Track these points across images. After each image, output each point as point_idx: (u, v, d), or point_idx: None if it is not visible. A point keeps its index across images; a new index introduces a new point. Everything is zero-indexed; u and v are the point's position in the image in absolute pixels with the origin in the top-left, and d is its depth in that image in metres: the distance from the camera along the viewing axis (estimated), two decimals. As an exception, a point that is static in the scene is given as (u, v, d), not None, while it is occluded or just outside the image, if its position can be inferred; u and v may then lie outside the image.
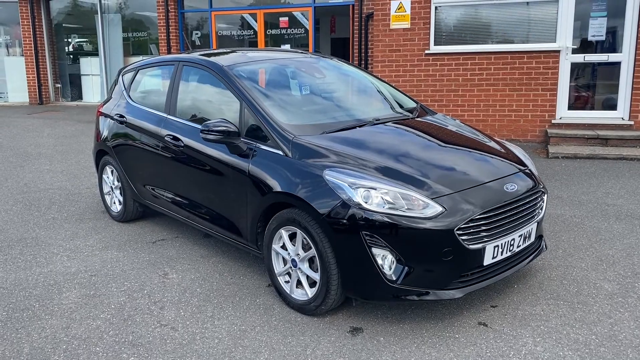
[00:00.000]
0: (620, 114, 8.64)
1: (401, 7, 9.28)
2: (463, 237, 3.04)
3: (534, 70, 8.84)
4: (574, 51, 8.69)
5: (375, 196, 3.07)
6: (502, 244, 3.22)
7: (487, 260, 3.18)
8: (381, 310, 3.45)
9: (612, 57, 8.55)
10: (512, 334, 3.14)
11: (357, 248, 3.07)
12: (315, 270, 3.35)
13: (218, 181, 3.93)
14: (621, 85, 8.57)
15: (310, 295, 3.37)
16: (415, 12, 9.27)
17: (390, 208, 3.03)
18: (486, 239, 3.13)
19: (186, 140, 4.19)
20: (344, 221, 3.08)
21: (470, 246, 3.06)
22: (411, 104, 4.51)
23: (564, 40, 8.65)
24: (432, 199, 3.06)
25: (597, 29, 8.58)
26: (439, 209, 3.01)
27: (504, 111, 9.08)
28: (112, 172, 5.37)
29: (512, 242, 3.27)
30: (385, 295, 3.12)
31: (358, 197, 3.08)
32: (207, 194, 4.09)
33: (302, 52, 5.04)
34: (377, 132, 3.79)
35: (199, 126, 4.06)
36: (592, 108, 8.85)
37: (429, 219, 2.99)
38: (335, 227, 3.11)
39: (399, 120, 4.05)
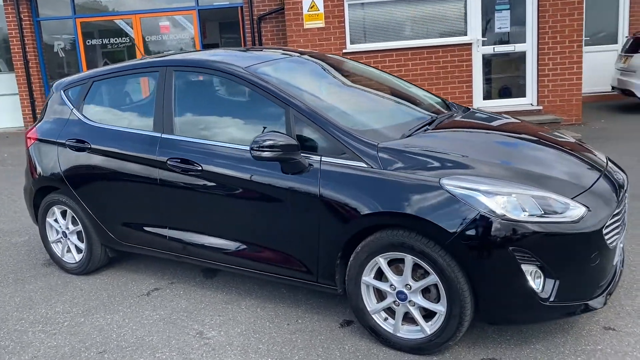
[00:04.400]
0: (529, 100, 9.15)
1: (314, 5, 8.88)
2: (607, 237, 2.73)
3: (450, 64, 9.00)
4: (485, 43, 9.01)
5: (513, 203, 2.63)
6: (621, 239, 2.98)
7: (615, 258, 2.91)
8: (501, 334, 3.02)
9: (518, 47, 9.03)
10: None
11: (504, 267, 2.61)
12: (434, 300, 2.81)
13: (267, 210, 3.18)
14: (527, 73, 9.08)
15: (429, 332, 2.83)
16: (328, 11, 8.93)
17: (534, 215, 2.61)
18: (616, 236, 2.85)
19: (208, 165, 3.34)
20: (486, 238, 2.59)
21: (610, 246, 2.76)
22: (438, 100, 4.13)
23: (474, 33, 8.93)
24: (571, 198, 2.70)
25: (502, 22, 8.99)
26: (583, 208, 2.66)
27: (425, 106, 9.13)
28: (63, 213, 4.21)
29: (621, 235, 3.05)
30: (539, 316, 2.70)
31: (498, 206, 2.61)
32: (248, 228, 3.30)
33: (287, 50, 4.37)
34: (455, 132, 3.35)
35: (231, 144, 3.28)
36: (505, 96, 9.27)
37: (577, 221, 2.62)
38: (473, 246, 2.61)
39: (456, 118, 3.63)
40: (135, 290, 3.94)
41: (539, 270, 2.64)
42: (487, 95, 9.22)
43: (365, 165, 2.91)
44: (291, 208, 3.09)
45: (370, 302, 2.99)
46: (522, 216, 2.60)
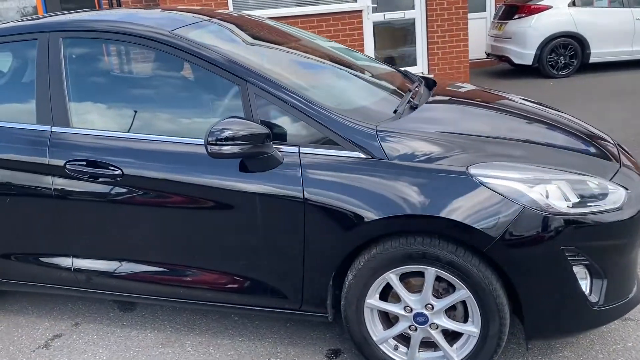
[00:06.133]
0: (420, 69, 8.97)
1: (189, -34, 7.78)
2: None
3: (341, 32, 8.48)
4: (375, 10, 8.61)
5: (555, 192, 2.12)
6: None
7: None
8: (522, 345, 2.55)
9: (408, 14, 8.75)
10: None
11: (554, 272, 2.10)
12: (460, 320, 2.25)
13: (225, 225, 2.37)
14: (417, 40, 8.87)
15: (456, 358, 2.26)
16: (207, -27, 7.89)
17: (579, 204, 2.13)
18: None
19: (132, 169, 2.42)
20: (534, 238, 2.06)
21: None
22: (391, 68, 3.51)
23: (364, -1, 8.48)
24: (609, 179, 2.26)
25: (391, -13, 8.63)
26: (623, 191, 2.23)
27: (319, 78, 8.55)
28: None
29: None
30: (589, 324, 2.24)
31: (542, 197, 2.08)
32: (197, 249, 2.45)
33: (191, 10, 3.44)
34: (451, 106, 2.77)
35: (169, 139, 2.40)
36: (397, 64, 8.97)
37: (620, 207, 2.19)
38: (518, 251, 2.07)
39: (440, 93, 3.04)
40: (24, 341, 2.89)
41: (586, 271, 2.18)
42: (380, 65, 8.86)
43: (364, 156, 2.22)
44: (262, 219, 2.31)
45: (375, 330, 2.35)
46: (567, 207, 2.10)
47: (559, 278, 2.11)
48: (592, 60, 9.42)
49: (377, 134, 2.25)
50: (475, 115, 2.70)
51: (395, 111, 2.49)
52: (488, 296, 2.13)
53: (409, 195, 2.13)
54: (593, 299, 2.18)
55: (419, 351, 2.33)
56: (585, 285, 2.17)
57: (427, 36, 8.77)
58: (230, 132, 2.14)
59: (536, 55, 9.42)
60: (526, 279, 2.10)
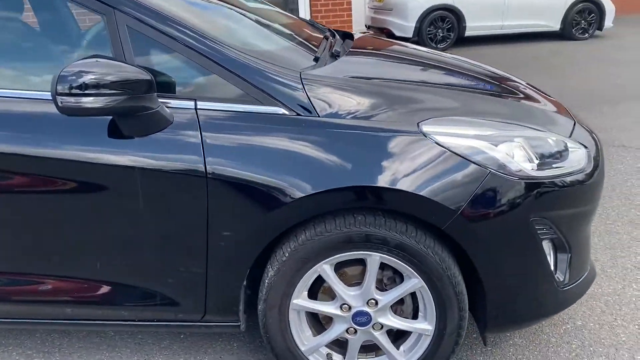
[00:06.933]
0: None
1: None
2: None
3: (217, -3, 7.73)
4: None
5: (519, 152, 1.74)
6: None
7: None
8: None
9: (289, -20, 8.21)
10: None
11: (523, 249, 1.72)
12: (408, 315, 1.81)
13: (94, 212, 1.69)
14: (301, 10, 8.39)
15: (406, 364, 1.82)
16: None
17: (543, 166, 1.76)
18: None
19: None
20: (502, 209, 1.66)
21: None
22: (295, 17, 2.95)
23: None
24: (568, 136, 1.92)
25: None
26: (584, 150, 1.91)
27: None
28: None
29: None
30: (555, 308, 1.88)
31: (509, 158, 1.68)
32: (55, 250, 1.75)
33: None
34: (378, 55, 2.30)
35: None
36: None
37: (584, 169, 1.86)
38: (482, 226, 1.65)
39: (362, 44, 2.53)
40: None
41: (551, 245, 1.83)
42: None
43: (286, 112, 1.66)
44: (145, 203, 1.67)
45: (303, 337, 1.83)
46: (532, 169, 1.72)
47: (527, 256, 1.73)
48: (467, 33, 9.59)
49: (302, 83, 1.70)
50: (410, 66, 2.24)
51: (316, 59, 1.97)
52: (445, 284, 1.70)
53: (348, 162, 1.62)
54: (559, 277, 1.84)
55: (358, 358, 1.85)
56: (554, 261, 1.82)
57: (311, 4, 8.32)
58: (93, 77, 1.47)
59: (416, 27, 9.37)
60: (490, 260, 1.70)
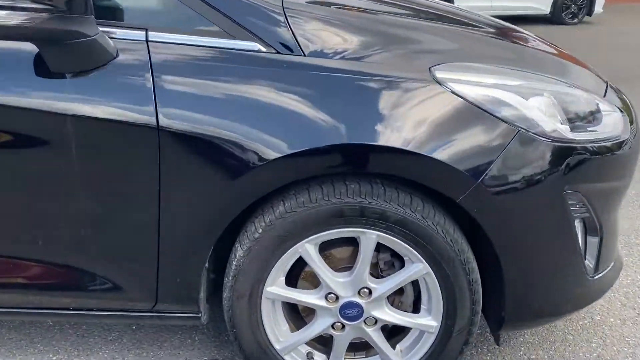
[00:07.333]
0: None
1: None
2: None
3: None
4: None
5: (550, 108, 1.40)
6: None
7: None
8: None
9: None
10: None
11: (552, 227, 1.40)
12: (409, 310, 1.48)
13: (12, 175, 1.33)
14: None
15: (402, 366, 1.49)
16: None
17: (577, 129, 1.43)
18: None
19: None
20: (530, 177, 1.33)
21: None
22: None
23: None
24: (602, 97, 1.60)
25: None
26: (619, 114, 1.58)
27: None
28: None
29: None
30: (583, 301, 1.58)
31: (542, 115, 1.35)
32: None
33: None
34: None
35: None
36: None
37: (619, 135, 1.52)
38: (506, 196, 1.32)
39: None
40: None
41: (582, 226, 1.51)
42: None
43: (263, 49, 1.31)
44: (80, 162, 1.30)
45: (279, 333, 1.48)
46: (568, 131, 1.39)
47: (558, 237, 1.41)
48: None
49: (284, 12, 1.34)
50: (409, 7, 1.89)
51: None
52: (457, 271, 1.38)
53: (339, 115, 1.28)
54: (589, 264, 1.52)
55: (345, 358, 1.52)
56: (583, 244, 1.50)
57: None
58: (6, -12, 1.10)
59: None
60: (514, 242, 1.38)
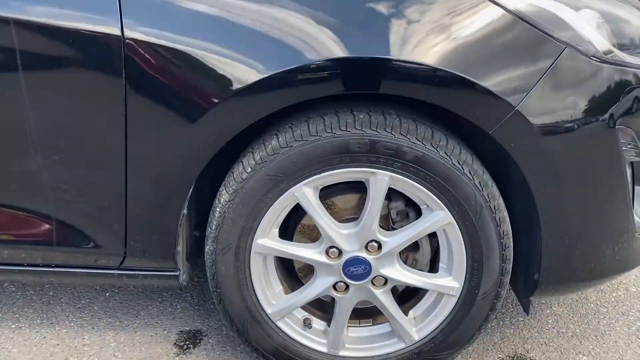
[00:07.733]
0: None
1: None
2: None
3: None
4: None
5: (602, 26, 1.16)
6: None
7: None
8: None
9: None
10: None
11: (599, 169, 1.17)
12: (426, 269, 1.25)
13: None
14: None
15: (417, 338, 1.26)
16: None
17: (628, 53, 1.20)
18: None
19: None
20: (579, 106, 1.09)
21: None
22: None
23: None
24: None
25: None
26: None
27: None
28: None
29: None
30: (633, 261, 1.34)
31: (597, 33, 1.12)
32: None
33: None
34: None
35: None
36: None
37: None
38: (551, 128, 1.09)
39: None
40: None
41: (631, 172, 1.27)
42: None
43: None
44: (27, 82, 1.07)
45: (270, 295, 1.25)
46: (621, 53, 1.16)
47: (607, 182, 1.18)
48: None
49: None
50: None
51: None
52: (485, 221, 1.14)
53: (345, 21, 1.03)
54: (638, 219, 1.29)
55: (348, 326, 1.29)
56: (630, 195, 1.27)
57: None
58: None
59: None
60: (556, 186, 1.14)
